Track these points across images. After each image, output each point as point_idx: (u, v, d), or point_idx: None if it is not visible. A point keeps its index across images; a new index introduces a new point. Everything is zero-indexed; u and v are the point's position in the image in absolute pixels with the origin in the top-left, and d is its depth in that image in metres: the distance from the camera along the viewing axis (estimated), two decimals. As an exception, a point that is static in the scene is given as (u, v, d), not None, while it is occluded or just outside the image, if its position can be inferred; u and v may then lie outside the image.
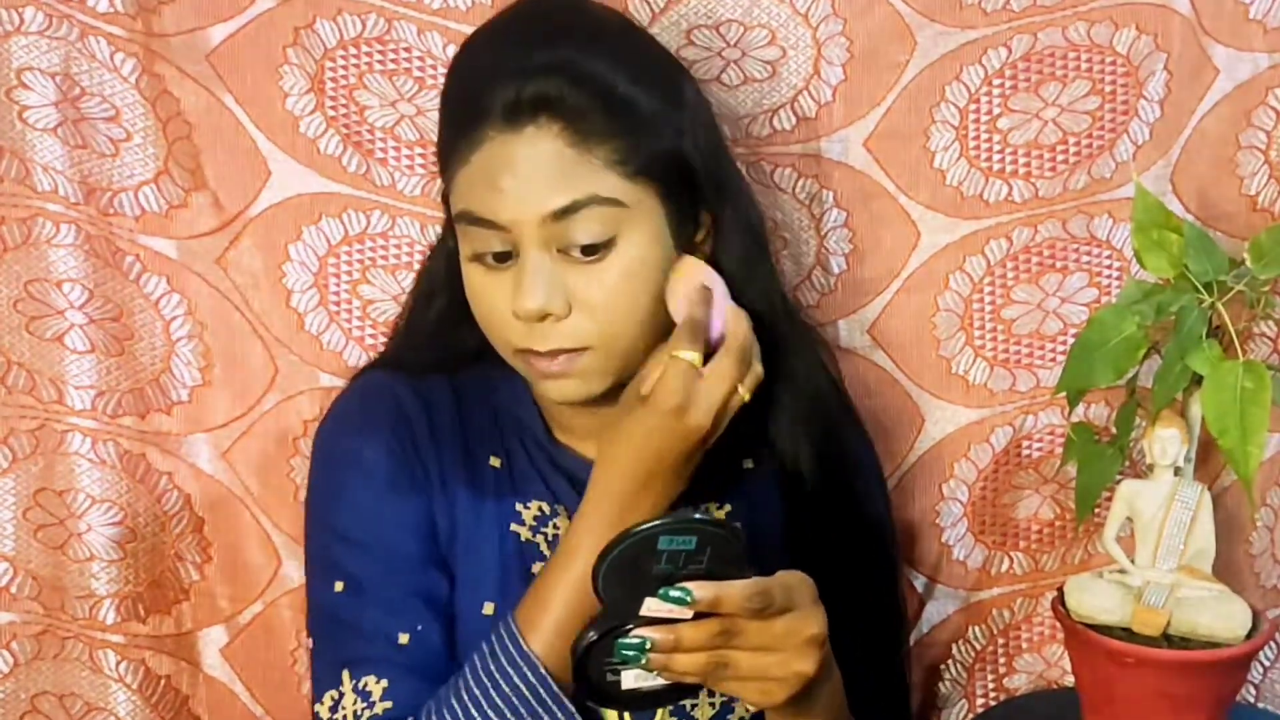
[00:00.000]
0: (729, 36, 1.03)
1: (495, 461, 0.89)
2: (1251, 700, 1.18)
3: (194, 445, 1.06)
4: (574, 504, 0.87)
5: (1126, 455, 0.95)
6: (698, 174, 0.83)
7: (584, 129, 0.77)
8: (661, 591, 0.67)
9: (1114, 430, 0.97)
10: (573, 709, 0.77)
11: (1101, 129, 1.07)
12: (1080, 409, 1.08)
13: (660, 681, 0.71)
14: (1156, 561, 0.88)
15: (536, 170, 0.77)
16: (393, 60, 1.02)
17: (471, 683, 0.78)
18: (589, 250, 0.78)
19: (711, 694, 0.86)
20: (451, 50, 1.02)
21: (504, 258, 0.80)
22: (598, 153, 0.78)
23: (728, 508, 0.91)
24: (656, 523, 0.68)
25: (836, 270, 1.09)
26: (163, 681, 1.08)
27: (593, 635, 0.69)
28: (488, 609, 0.86)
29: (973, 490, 1.13)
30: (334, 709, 0.82)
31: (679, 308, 0.81)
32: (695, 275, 0.82)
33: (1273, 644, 1.18)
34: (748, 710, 0.87)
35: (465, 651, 0.83)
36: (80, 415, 1.03)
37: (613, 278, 0.79)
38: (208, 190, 1.03)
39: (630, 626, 0.68)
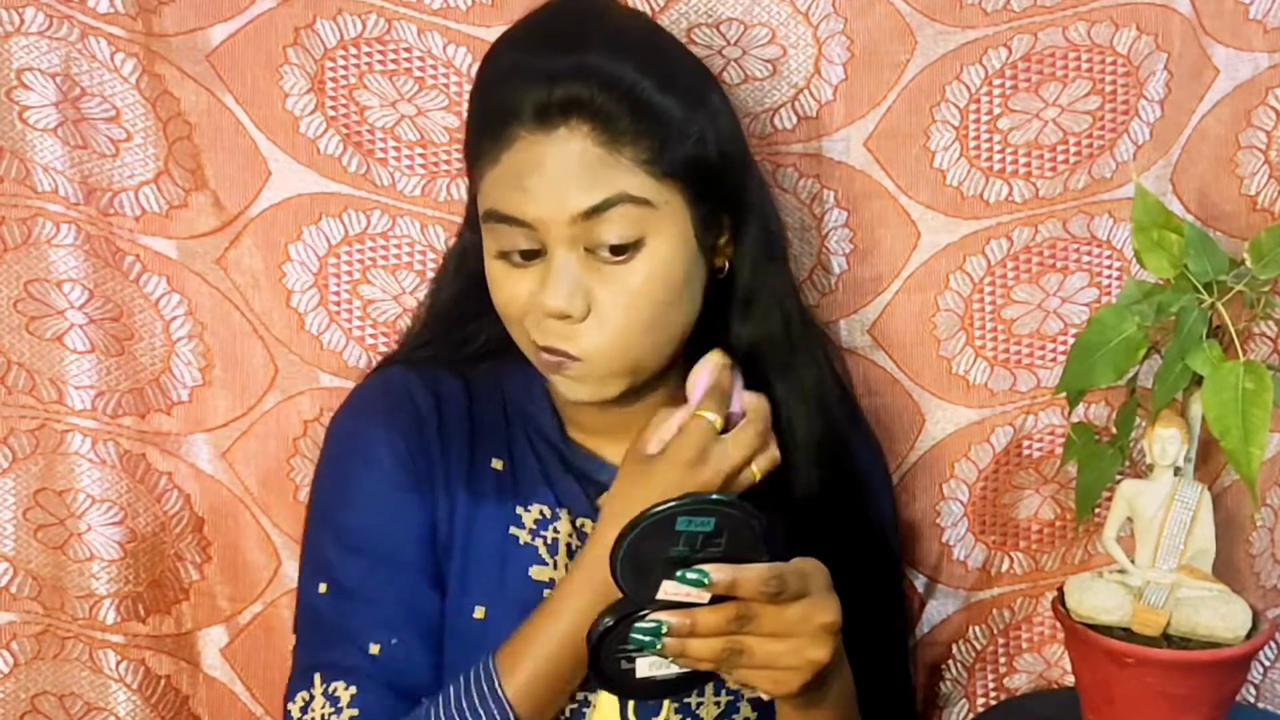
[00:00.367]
0: (729, 35, 1.03)
1: (498, 464, 0.89)
2: (1251, 700, 1.18)
3: (194, 445, 1.06)
4: (578, 506, 0.87)
5: (1126, 455, 0.95)
6: (722, 179, 0.83)
7: (613, 130, 0.78)
8: (679, 573, 0.67)
9: (1114, 430, 0.97)
10: None
11: (1102, 129, 1.07)
12: (1080, 409, 1.08)
13: (674, 670, 0.71)
14: (1156, 561, 0.88)
15: (567, 170, 0.77)
16: (393, 60, 1.02)
17: (442, 712, 0.78)
18: (618, 250, 0.79)
19: (717, 692, 0.86)
20: (452, 50, 1.02)
21: (531, 255, 0.80)
22: (627, 153, 0.78)
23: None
24: (675, 503, 0.68)
25: (837, 270, 1.09)
26: (163, 681, 1.08)
27: (608, 621, 0.69)
28: (478, 613, 0.85)
29: (973, 490, 1.13)
30: (304, 709, 0.82)
31: (701, 381, 0.83)
32: (719, 356, 0.84)
33: (1273, 644, 1.18)
34: (753, 711, 0.87)
35: (451, 654, 0.83)
36: (80, 415, 1.03)
37: (638, 279, 0.79)
38: (208, 190, 1.03)
39: (645, 611, 0.68)
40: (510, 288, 0.82)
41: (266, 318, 1.05)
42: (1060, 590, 0.91)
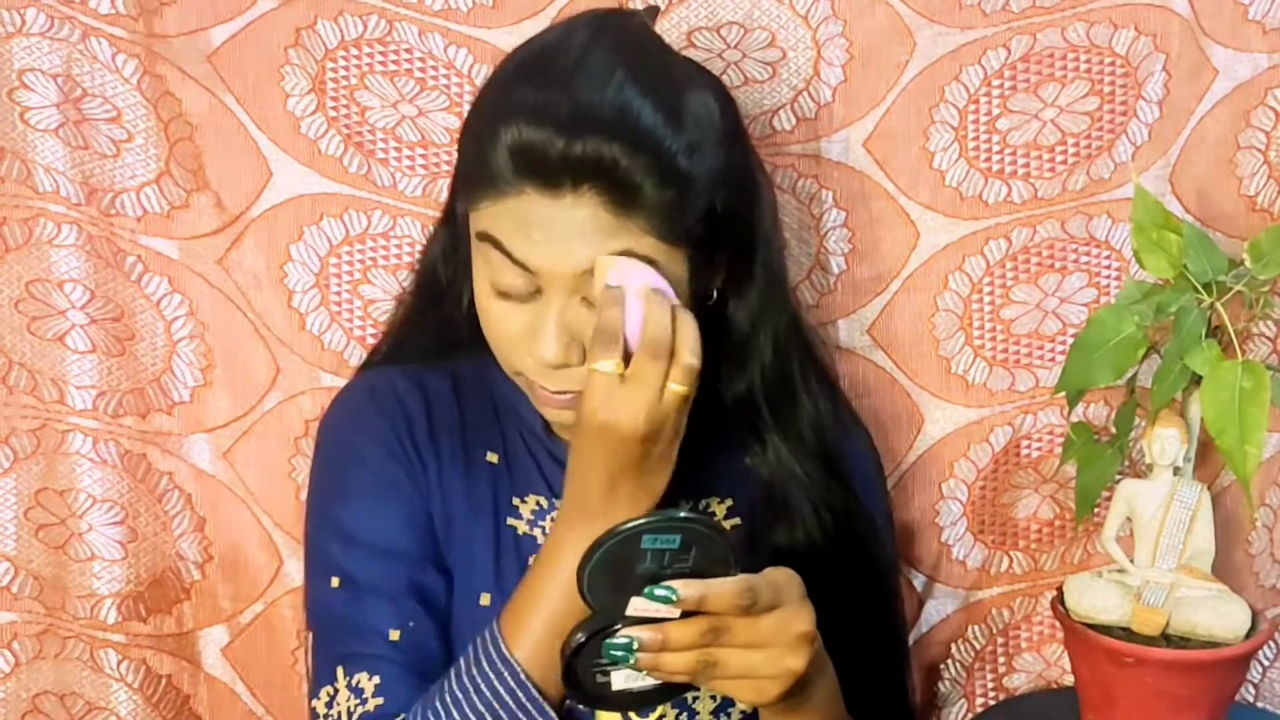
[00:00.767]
0: (729, 38, 1.04)
1: (493, 457, 0.89)
2: (1251, 700, 1.18)
3: (195, 445, 1.06)
4: None
5: (1126, 455, 0.95)
6: (727, 231, 0.81)
7: (628, 200, 0.73)
8: (647, 591, 0.67)
9: (1114, 430, 0.98)
10: (552, 714, 0.76)
11: (1100, 130, 1.07)
12: (1080, 409, 1.08)
13: (651, 681, 0.71)
14: (1156, 561, 0.88)
15: (572, 232, 0.74)
16: (394, 61, 1.03)
17: (455, 685, 0.78)
18: None
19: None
20: (453, 51, 1.02)
21: (521, 291, 0.78)
22: (637, 218, 0.74)
23: (729, 501, 0.91)
24: (639, 521, 0.67)
25: (836, 270, 1.09)
26: (164, 681, 1.09)
27: (580, 637, 0.69)
28: (485, 600, 0.86)
29: (972, 490, 1.13)
30: (330, 704, 0.82)
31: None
32: (601, 276, 0.76)
33: (1272, 644, 1.18)
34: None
35: (461, 643, 0.83)
36: (81, 415, 1.04)
37: None
38: (209, 191, 1.03)
39: (618, 627, 0.68)
40: (503, 323, 0.80)
41: (268, 318, 1.05)
42: (1060, 590, 0.91)
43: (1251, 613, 0.86)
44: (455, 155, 0.84)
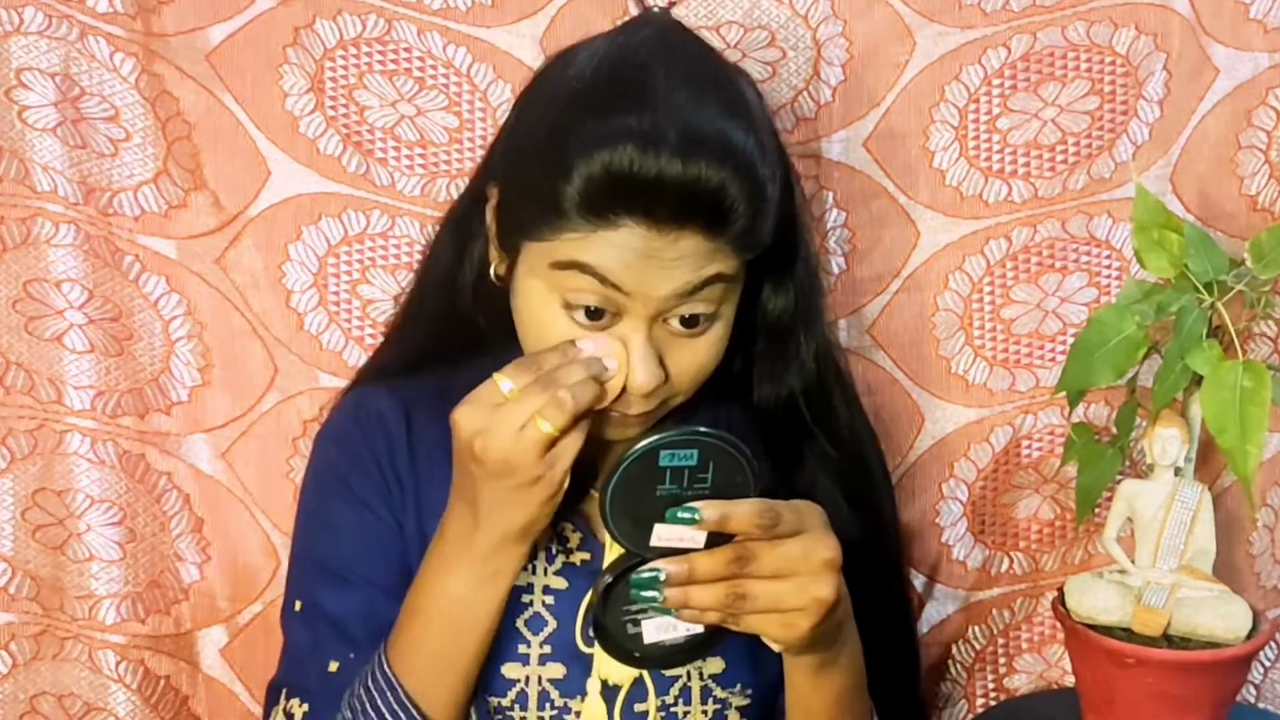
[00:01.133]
0: (729, 38, 1.03)
1: None
2: (1251, 700, 1.18)
3: (193, 445, 1.06)
4: (557, 513, 0.86)
5: (1126, 455, 0.95)
6: (780, 240, 0.80)
7: (726, 223, 0.72)
8: (669, 513, 0.67)
9: (1114, 430, 0.97)
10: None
11: (1101, 129, 1.07)
12: (1080, 409, 1.08)
13: (682, 634, 0.71)
14: (1157, 562, 0.88)
15: (675, 260, 0.72)
16: (393, 61, 1.02)
17: (351, 702, 0.79)
18: (691, 322, 0.76)
19: (704, 701, 0.85)
20: (452, 51, 1.02)
21: (597, 314, 0.75)
22: (728, 240, 0.73)
23: None
24: (656, 437, 0.67)
25: (836, 270, 1.09)
26: (162, 682, 1.08)
27: (609, 578, 0.69)
28: None
29: (972, 490, 1.13)
30: None
31: None
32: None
33: (1273, 644, 1.18)
34: (742, 718, 0.87)
35: None
36: (79, 415, 1.03)
37: (704, 346, 0.78)
38: (207, 190, 1.03)
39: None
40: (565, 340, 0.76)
41: (266, 318, 1.05)
42: (1060, 590, 0.91)
43: (1252, 613, 0.86)
44: (513, 163, 0.79)
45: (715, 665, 0.85)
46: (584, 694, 0.83)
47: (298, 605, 0.85)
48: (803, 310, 0.86)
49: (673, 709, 0.84)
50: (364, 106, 1.03)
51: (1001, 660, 1.17)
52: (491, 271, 0.82)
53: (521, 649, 0.83)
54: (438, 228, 0.91)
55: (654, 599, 0.68)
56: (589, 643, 0.83)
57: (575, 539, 0.86)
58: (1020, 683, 1.17)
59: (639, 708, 0.84)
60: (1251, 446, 0.81)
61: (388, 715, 0.77)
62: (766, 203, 0.75)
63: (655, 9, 0.85)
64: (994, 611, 1.15)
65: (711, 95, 0.74)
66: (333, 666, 0.82)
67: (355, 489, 0.85)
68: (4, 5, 0.97)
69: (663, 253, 0.72)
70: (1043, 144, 1.07)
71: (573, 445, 0.72)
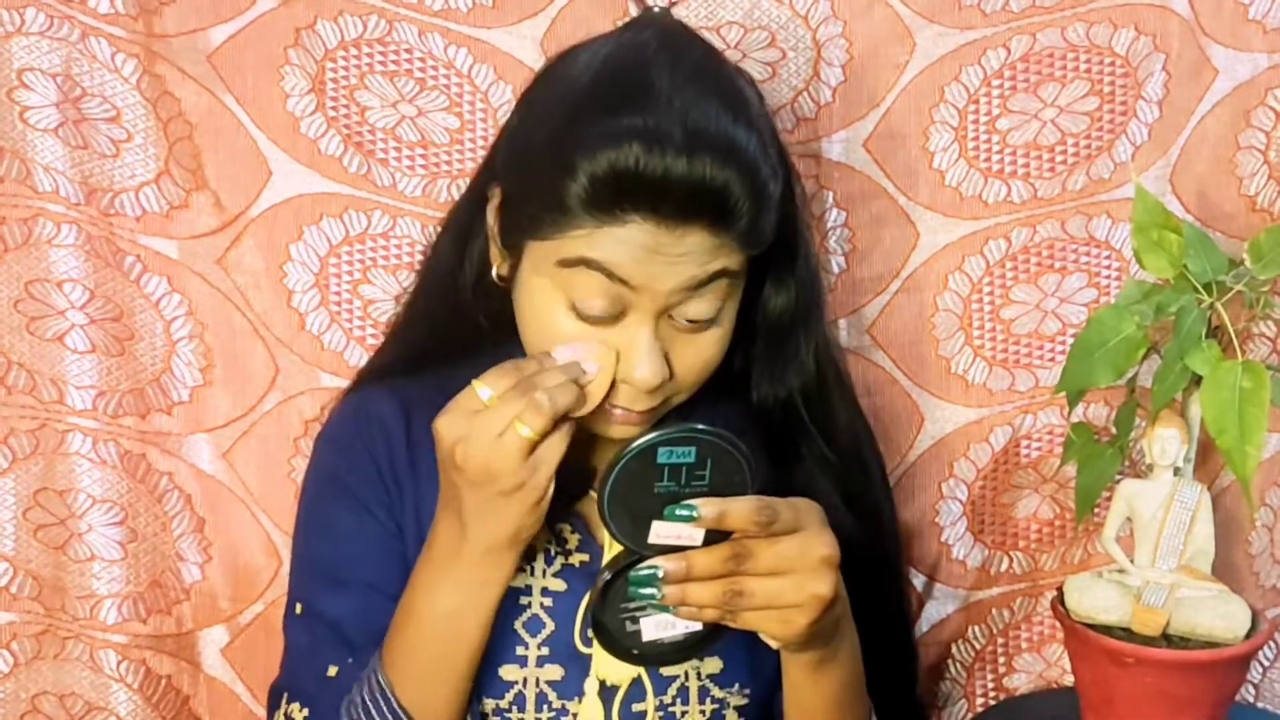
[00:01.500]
0: (729, 38, 1.04)
1: None
2: (1251, 700, 1.18)
3: (195, 445, 1.06)
4: (553, 514, 0.86)
5: (1126, 455, 0.95)
6: (781, 236, 0.81)
7: (731, 220, 0.73)
8: (667, 510, 0.67)
9: (1114, 430, 0.98)
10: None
11: (1100, 130, 1.07)
12: (1080, 409, 1.08)
13: (680, 631, 0.71)
14: (1156, 561, 0.88)
15: (682, 255, 0.73)
16: (394, 61, 1.03)
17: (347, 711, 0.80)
18: (696, 317, 0.76)
19: (702, 701, 0.86)
20: (453, 51, 1.02)
21: (609, 316, 0.75)
22: (733, 237, 0.74)
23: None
24: (654, 434, 0.68)
25: (836, 270, 1.09)
26: (163, 681, 1.08)
27: (607, 575, 0.69)
28: None
29: (972, 490, 1.13)
30: None
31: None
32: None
33: (1272, 644, 1.18)
34: (739, 716, 0.87)
35: None
36: (81, 415, 1.04)
37: (708, 342, 0.78)
38: (208, 190, 1.03)
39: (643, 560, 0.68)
40: (570, 340, 0.76)
41: (267, 318, 1.05)
42: (1060, 590, 0.91)
43: (1251, 613, 0.86)
44: (515, 160, 0.79)
45: (713, 665, 0.85)
46: (582, 695, 0.83)
47: (298, 608, 0.86)
48: (803, 309, 0.87)
49: (670, 709, 0.85)
50: (365, 107, 1.03)
51: (1001, 660, 1.17)
52: (493, 272, 0.82)
53: (520, 651, 0.83)
54: (439, 228, 0.91)
55: (652, 596, 0.68)
56: (587, 644, 0.83)
57: (574, 541, 0.86)
58: (1020, 682, 1.17)
59: (637, 708, 0.84)
60: (1250, 447, 0.81)
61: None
62: (769, 200, 0.75)
63: (656, 10, 0.85)
64: (993, 611, 1.16)
65: (714, 95, 0.74)
66: (331, 671, 0.82)
67: (354, 492, 0.86)
68: (6, 6, 0.97)
69: (669, 248, 0.72)
70: (1042, 144, 1.07)
71: (555, 450, 0.72)
